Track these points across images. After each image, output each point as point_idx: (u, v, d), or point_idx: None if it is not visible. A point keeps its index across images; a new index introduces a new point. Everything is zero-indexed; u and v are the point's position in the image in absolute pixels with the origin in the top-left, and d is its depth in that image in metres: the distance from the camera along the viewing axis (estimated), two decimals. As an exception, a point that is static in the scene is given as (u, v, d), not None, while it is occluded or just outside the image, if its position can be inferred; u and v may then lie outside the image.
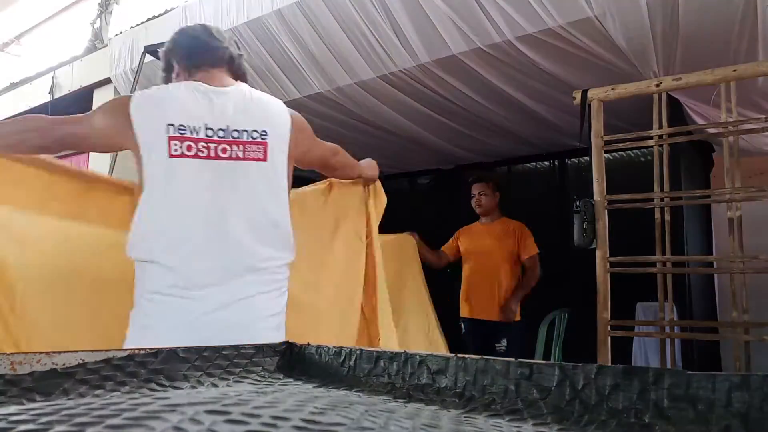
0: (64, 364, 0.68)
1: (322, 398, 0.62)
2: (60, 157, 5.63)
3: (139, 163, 1.39)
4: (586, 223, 2.64)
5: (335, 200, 1.96)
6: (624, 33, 2.72)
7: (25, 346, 1.38)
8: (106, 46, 4.71)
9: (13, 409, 0.47)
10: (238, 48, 1.57)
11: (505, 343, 3.50)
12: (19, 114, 5.48)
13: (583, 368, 0.59)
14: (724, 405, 0.50)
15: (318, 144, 1.72)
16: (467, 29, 3.01)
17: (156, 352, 0.75)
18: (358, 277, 1.89)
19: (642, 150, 4.50)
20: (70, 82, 4.98)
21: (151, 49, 3.76)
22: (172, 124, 1.33)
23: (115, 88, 4.64)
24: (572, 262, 3.82)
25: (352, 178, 1.89)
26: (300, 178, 5.82)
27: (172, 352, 0.77)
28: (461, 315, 3.72)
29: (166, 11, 4.20)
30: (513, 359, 0.66)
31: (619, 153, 4.58)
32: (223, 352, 0.82)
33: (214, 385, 0.76)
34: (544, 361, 0.64)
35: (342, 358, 0.82)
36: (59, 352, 0.69)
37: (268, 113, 1.47)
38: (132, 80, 3.93)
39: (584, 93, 2.75)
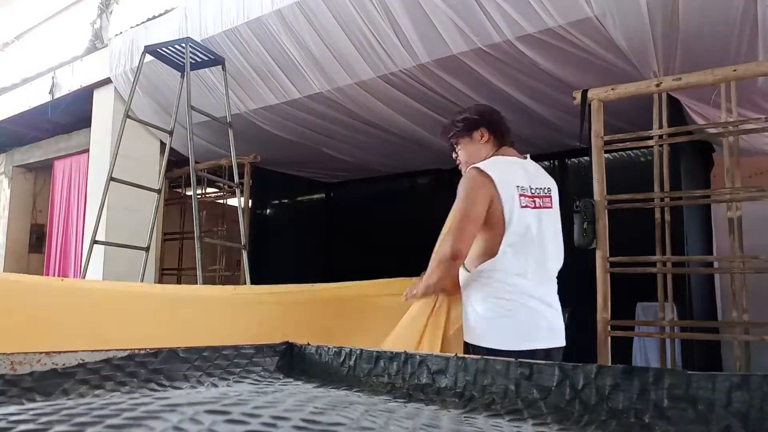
0: (64, 364, 0.68)
1: (322, 398, 0.62)
2: (60, 157, 5.56)
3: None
4: (586, 223, 2.64)
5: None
6: (624, 33, 2.72)
7: None
8: (106, 46, 4.71)
9: (13, 409, 0.47)
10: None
11: None
12: (19, 114, 5.48)
13: (583, 368, 0.59)
14: (724, 405, 0.50)
15: None
16: (467, 29, 3.01)
17: (156, 352, 0.75)
18: None
19: (642, 150, 4.50)
20: (70, 82, 4.98)
21: (151, 49, 3.77)
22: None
23: (115, 88, 4.64)
24: (572, 262, 3.81)
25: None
26: (300, 178, 5.78)
27: (172, 352, 0.77)
28: None
29: (166, 11, 4.20)
30: (513, 359, 0.66)
31: (619, 153, 4.57)
32: (223, 352, 0.82)
33: (214, 385, 0.76)
34: (544, 361, 0.64)
35: (342, 358, 0.82)
36: (59, 352, 0.69)
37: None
38: (132, 80, 3.93)
39: (584, 93, 2.75)
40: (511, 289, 1.78)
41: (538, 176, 1.94)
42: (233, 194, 5.09)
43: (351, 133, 4.55)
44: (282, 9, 3.38)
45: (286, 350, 0.91)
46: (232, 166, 3.86)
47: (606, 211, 2.65)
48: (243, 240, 3.82)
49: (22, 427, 0.40)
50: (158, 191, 3.96)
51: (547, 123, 4.01)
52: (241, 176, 4.37)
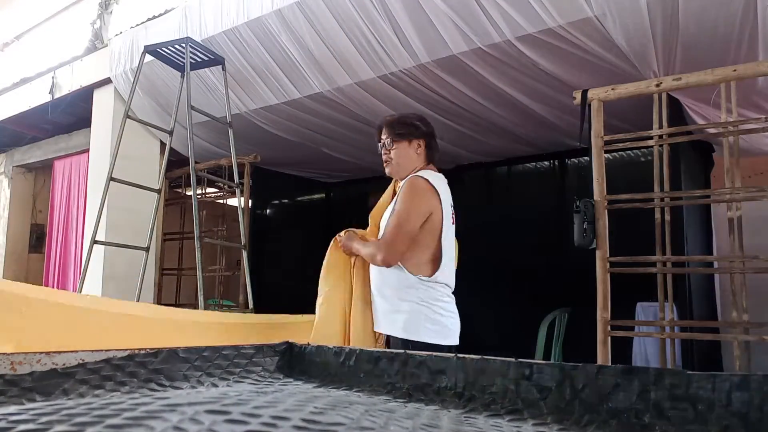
0: (64, 364, 0.68)
1: (322, 398, 0.62)
2: (60, 157, 5.56)
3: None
4: (586, 223, 2.64)
5: None
6: (624, 33, 2.72)
7: None
8: (106, 46, 4.71)
9: (13, 409, 0.47)
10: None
11: None
12: (19, 114, 5.48)
13: (583, 368, 0.59)
14: (724, 405, 0.50)
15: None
16: (467, 29, 3.00)
17: (156, 352, 0.75)
18: None
19: (642, 150, 4.50)
20: (70, 82, 4.98)
21: (151, 49, 3.77)
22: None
23: (115, 88, 4.64)
24: (572, 262, 3.82)
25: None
26: (300, 178, 5.78)
27: (172, 352, 0.77)
28: None
29: (166, 11, 4.20)
30: (513, 359, 0.66)
31: (619, 153, 4.57)
32: (223, 352, 0.82)
33: (214, 385, 0.76)
34: (544, 361, 0.64)
35: (342, 358, 0.82)
36: (59, 352, 0.69)
37: None
38: (132, 80, 3.93)
39: (584, 93, 2.75)
40: (447, 297, 2.04)
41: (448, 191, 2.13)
42: (233, 194, 5.09)
43: (351, 133, 4.55)
44: (282, 9, 3.38)
45: (286, 350, 0.91)
46: (232, 166, 3.86)
47: (606, 211, 2.65)
48: (243, 240, 3.82)
49: (22, 427, 0.40)
50: (158, 191, 3.96)
51: (547, 123, 4.01)
52: (241, 176, 4.37)
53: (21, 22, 6.04)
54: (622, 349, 3.68)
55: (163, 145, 4.78)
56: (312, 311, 2.41)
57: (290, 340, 0.93)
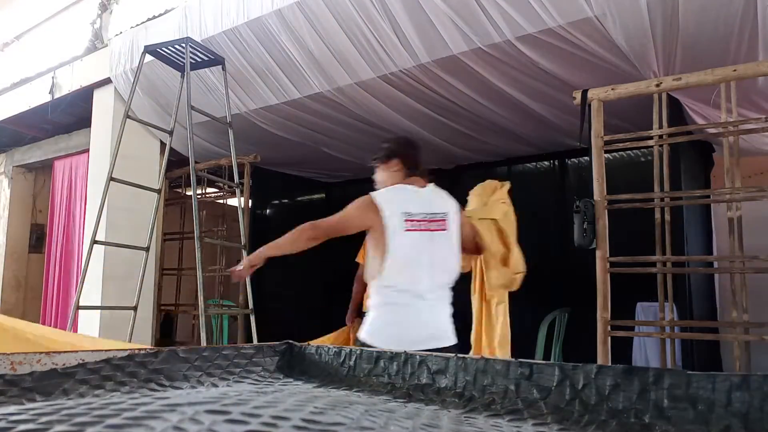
0: (64, 364, 0.68)
1: (322, 398, 0.62)
2: (60, 157, 5.55)
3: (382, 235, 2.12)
4: (586, 223, 2.65)
5: None
6: (624, 33, 2.72)
7: None
8: (106, 46, 4.71)
9: (13, 409, 0.47)
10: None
11: None
12: (19, 114, 5.48)
13: (583, 368, 0.59)
14: (724, 405, 0.50)
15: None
16: (467, 29, 3.00)
17: (156, 352, 0.75)
18: None
19: (642, 150, 4.50)
20: (70, 82, 4.98)
21: (151, 49, 3.77)
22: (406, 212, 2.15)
23: (115, 88, 4.64)
24: (572, 262, 3.82)
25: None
26: (300, 178, 5.78)
27: (172, 352, 0.77)
28: None
29: (166, 11, 4.20)
30: (513, 359, 0.66)
31: (619, 153, 4.57)
32: (223, 352, 0.82)
33: (214, 385, 0.76)
34: (544, 361, 0.64)
35: (342, 358, 0.82)
36: (59, 352, 0.69)
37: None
38: (132, 80, 3.93)
39: (584, 93, 2.75)
40: (398, 299, 2.10)
41: (433, 203, 2.24)
42: (233, 194, 5.09)
43: (351, 133, 4.55)
44: (282, 9, 3.38)
45: (286, 350, 0.91)
46: (232, 166, 3.86)
47: (606, 211, 2.65)
48: (243, 240, 3.82)
49: (22, 427, 0.40)
50: (158, 191, 3.96)
51: (547, 123, 4.01)
52: (241, 176, 4.36)
53: (21, 22, 6.04)
54: (622, 349, 3.68)
55: (163, 145, 4.78)
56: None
57: (290, 341, 0.93)
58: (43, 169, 6.33)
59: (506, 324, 2.49)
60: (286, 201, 6.76)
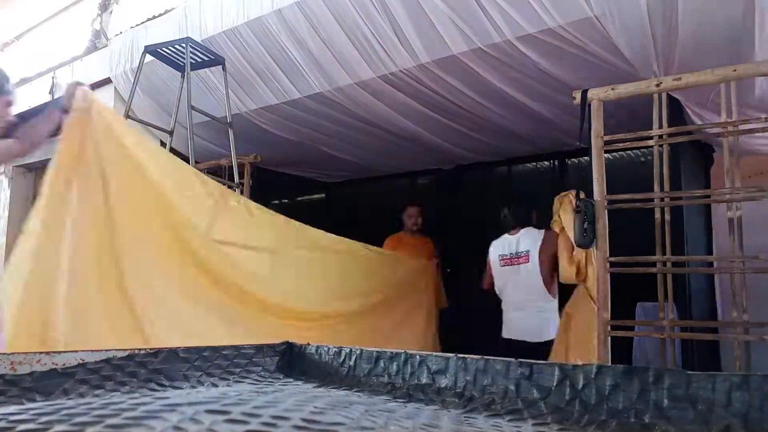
0: (64, 364, 0.68)
1: (322, 398, 0.62)
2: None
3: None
4: (586, 223, 2.65)
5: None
6: (624, 33, 2.72)
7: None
8: (106, 46, 4.71)
9: (13, 409, 0.47)
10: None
11: None
12: (19, 114, 5.47)
13: (583, 368, 0.59)
14: (724, 405, 0.50)
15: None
16: (467, 29, 3.00)
17: (156, 352, 0.75)
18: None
19: (642, 150, 4.50)
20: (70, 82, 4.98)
21: (151, 49, 3.77)
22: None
23: (115, 88, 4.63)
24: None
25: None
26: (300, 178, 5.79)
27: (172, 352, 0.77)
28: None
29: (166, 11, 4.20)
30: (513, 359, 0.66)
31: (619, 153, 4.57)
32: (223, 352, 0.82)
33: (214, 385, 0.76)
34: (544, 362, 0.64)
35: (342, 358, 0.82)
36: (59, 352, 0.69)
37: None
38: (132, 80, 3.93)
39: (584, 93, 2.75)
40: (503, 307, 3.62)
41: (519, 244, 3.55)
42: (233, 194, 5.08)
43: (351, 133, 4.55)
44: (282, 9, 3.38)
45: (286, 350, 0.91)
46: (232, 166, 3.86)
47: (606, 211, 2.65)
48: (243, 240, 3.82)
49: (22, 427, 0.40)
50: (158, 191, 3.95)
51: (546, 123, 4.01)
52: (241, 176, 4.36)
53: (21, 22, 6.04)
54: (622, 349, 3.68)
55: (163, 145, 4.78)
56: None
57: (290, 340, 0.93)
58: (43, 169, 6.32)
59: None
60: (286, 201, 6.76)
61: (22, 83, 5.53)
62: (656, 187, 2.64)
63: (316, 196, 6.74)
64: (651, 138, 2.63)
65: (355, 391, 0.75)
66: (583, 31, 2.79)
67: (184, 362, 0.78)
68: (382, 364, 0.78)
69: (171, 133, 3.94)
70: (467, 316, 4.21)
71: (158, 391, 0.72)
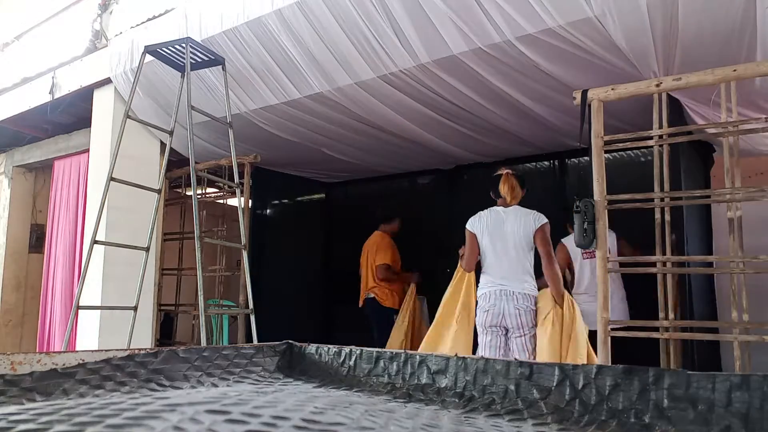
0: (64, 364, 0.68)
1: (322, 398, 0.62)
2: (60, 157, 5.57)
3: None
4: (586, 223, 2.64)
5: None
6: (624, 33, 2.72)
7: None
8: (106, 46, 4.71)
9: (13, 409, 0.47)
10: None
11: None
12: (19, 114, 5.48)
13: (583, 368, 0.59)
14: (724, 405, 0.50)
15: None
16: (467, 29, 3.00)
17: (156, 352, 0.75)
18: None
19: (642, 150, 4.50)
20: (70, 82, 4.98)
21: (151, 49, 3.76)
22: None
23: (115, 88, 4.63)
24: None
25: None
26: (300, 178, 5.78)
27: (172, 352, 0.77)
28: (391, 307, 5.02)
29: (166, 11, 4.20)
30: (513, 359, 0.66)
31: (619, 153, 4.57)
32: (223, 352, 0.82)
33: (214, 385, 0.76)
34: (543, 362, 0.64)
35: (342, 358, 0.82)
36: (59, 352, 0.69)
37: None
38: (132, 80, 3.93)
39: (584, 93, 2.75)
40: (582, 298, 3.84)
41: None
42: (233, 194, 5.09)
43: (351, 133, 4.55)
44: (282, 9, 3.37)
45: (286, 350, 0.91)
46: (232, 166, 3.86)
47: (606, 211, 2.65)
48: (243, 240, 3.82)
49: (22, 427, 0.40)
50: (158, 191, 3.96)
51: (547, 123, 4.01)
52: (241, 176, 4.36)
53: (21, 22, 6.04)
54: (622, 349, 3.68)
55: (163, 145, 4.78)
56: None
57: (290, 341, 0.93)
58: (43, 169, 6.33)
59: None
60: (286, 201, 6.76)
61: (22, 83, 5.53)
62: (656, 187, 2.64)
63: (316, 196, 6.74)
64: (651, 138, 2.63)
65: (355, 391, 0.75)
66: (583, 31, 2.79)
67: (184, 362, 0.78)
68: (382, 364, 0.78)
69: (171, 133, 3.94)
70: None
71: (158, 391, 0.72)
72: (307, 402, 0.55)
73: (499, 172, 3.54)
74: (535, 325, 3.23)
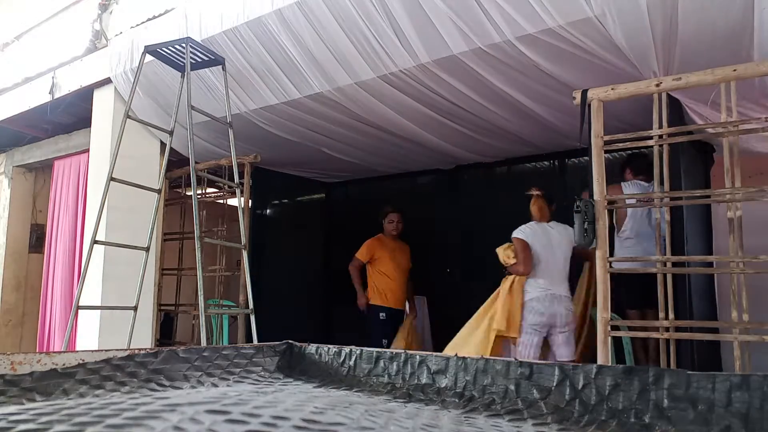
0: (64, 364, 0.68)
1: (322, 398, 0.62)
2: (60, 157, 5.59)
3: None
4: (586, 223, 2.64)
5: None
6: (624, 33, 2.72)
7: None
8: (106, 46, 4.71)
9: (13, 409, 0.47)
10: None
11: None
12: (19, 114, 5.48)
13: (583, 368, 0.59)
14: (724, 405, 0.50)
15: None
16: (467, 29, 3.00)
17: (156, 352, 0.75)
18: None
19: (642, 150, 4.50)
20: (70, 82, 4.98)
21: (151, 49, 3.76)
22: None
23: (115, 88, 4.63)
24: (572, 262, 3.83)
25: None
26: (300, 178, 5.78)
27: (172, 352, 0.77)
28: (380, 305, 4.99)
29: (166, 11, 4.20)
30: (513, 359, 0.66)
31: (619, 153, 4.57)
32: (223, 352, 0.82)
33: (214, 385, 0.76)
34: (543, 361, 0.63)
35: (342, 358, 0.82)
36: (59, 352, 0.69)
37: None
38: (132, 80, 3.93)
39: (584, 93, 2.75)
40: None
41: None
42: (233, 194, 5.09)
43: (351, 133, 4.55)
44: (282, 9, 3.37)
45: (286, 350, 0.91)
46: (232, 166, 3.86)
47: (606, 211, 2.65)
48: (243, 240, 3.82)
49: (22, 426, 0.40)
50: (158, 191, 3.96)
51: (547, 123, 4.01)
52: (241, 176, 4.36)
53: (21, 22, 6.04)
54: (622, 348, 3.68)
55: (163, 145, 4.78)
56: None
57: (290, 341, 0.93)
58: (43, 169, 6.33)
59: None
60: (286, 201, 6.76)
61: (22, 83, 5.53)
62: (656, 187, 2.64)
63: (316, 196, 6.74)
64: (651, 138, 2.63)
65: (355, 391, 0.75)
66: (583, 31, 2.79)
67: (184, 362, 0.78)
68: (382, 364, 0.78)
69: (171, 133, 3.94)
70: (466, 313, 4.19)
71: (158, 391, 0.72)
72: (307, 402, 0.55)
73: (529, 193, 3.89)
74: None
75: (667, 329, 2.60)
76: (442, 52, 3.18)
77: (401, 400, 0.70)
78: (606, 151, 2.71)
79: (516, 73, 3.29)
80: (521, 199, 3.93)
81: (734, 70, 2.41)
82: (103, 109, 4.78)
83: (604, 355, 2.56)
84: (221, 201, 5.85)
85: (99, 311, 4.32)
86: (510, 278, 3.80)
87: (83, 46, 4.90)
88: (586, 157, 2.83)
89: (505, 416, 0.61)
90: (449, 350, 3.68)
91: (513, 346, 3.70)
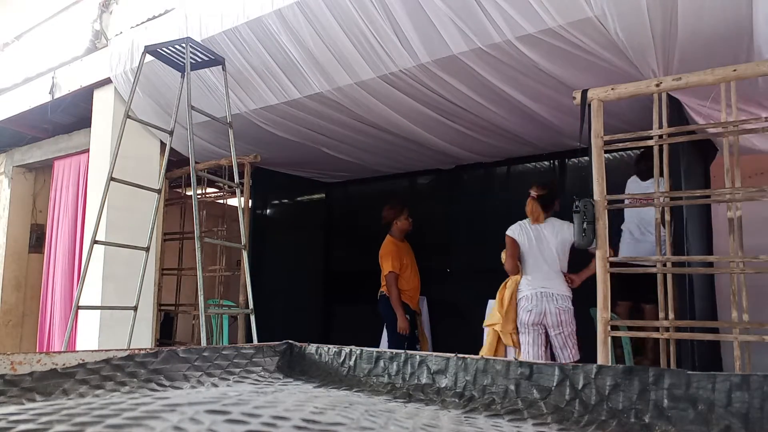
0: (64, 364, 0.68)
1: (322, 398, 0.62)
2: (60, 157, 5.59)
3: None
4: (586, 223, 2.64)
5: None
6: (624, 33, 2.72)
7: None
8: (106, 46, 4.71)
9: (13, 409, 0.47)
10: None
11: None
12: (19, 114, 5.48)
13: (583, 368, 0.59)
14: (724, 405, 0.50)
15: None
16: (467, 29, 3.00)
17: (156, 352, 0.75)
18: None
19: (642, 150, 4.49)
20: (70, 82, 4.97)
21: (151, 49, 3.76)
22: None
23: (115, 88, 4.63)
24: (572, 262, 3.83)
25: None
26: (300, 178, 5.78)
27: (172, 352, 0.77)
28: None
29: (166, 11, 4.20)
30: (513, 359, 0.66)
31: (619, 153, 4.57)
32: (223, 352, 0.82)
33: (214, 385, 0.76)
34: (543, 361, 0.63)
35: (342, 358, 0.82)
36: (59, 352, 0.69)
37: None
38: (132, 80, 3.93)
39: (584, 93, 2.75)
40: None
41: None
42: (233, 194, 5.09)
43: (351, 133, 4.55)
44: (282, 9, 3.37)
45: (286, 350, 0.91)
46: (232, 166, 3.86)
47: (606, 211, 2.65)
48: (243, 240, 3.82)
49: (22, 427, 0.40)
50: (158, 191, 3.96)
51: (546, 123, 4.01)
52: (241, 176, 4.36)
53: (21, 22, 6.03)
54: (622, 349, 3.68)
55: (163, 145, 4.78)
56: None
57: (290, 341, 0.93)
58: (43, 169, 6.33)
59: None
60: (286, 201, 6.77)
61: (23, 83, 5.53)
62: (656, 187, 2.64)
63: (316, 196, 6.74)
64: (651, 138, 2.63)
65: (355, 391, 0.75)
66: (583, 31, 2.79)
67: (184, 362, 0.78)
68: (382, 364, 0.78)
69: (171, 133, 3.94)
70: (466, 313, 4.20)
71: (158, 391, 0.72)
72: (307, 402, 0.55)
73: (529, 191, 3.87)
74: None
75: (667, 329, 2.60)
76: (442, 52, 3.18)
77: (401, 400, 0.70)
78: (606, 151, 2.71)
79: (516, 73, 3.29)
80: (521, 199, 3.93)
81: (734, 70, 2.41)
82: (103, 109, 4.78)
83: (603, 355, 2.56)
84: (221, 201, 5.85)
85: (99, 311, 4.32)
86: (511, 278, 3.83)
87: (83, 46, 4.90)
88: (586, 157, 2.83)
89: (505, 416, 0.61)
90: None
91: (514, 348, 3.69)
